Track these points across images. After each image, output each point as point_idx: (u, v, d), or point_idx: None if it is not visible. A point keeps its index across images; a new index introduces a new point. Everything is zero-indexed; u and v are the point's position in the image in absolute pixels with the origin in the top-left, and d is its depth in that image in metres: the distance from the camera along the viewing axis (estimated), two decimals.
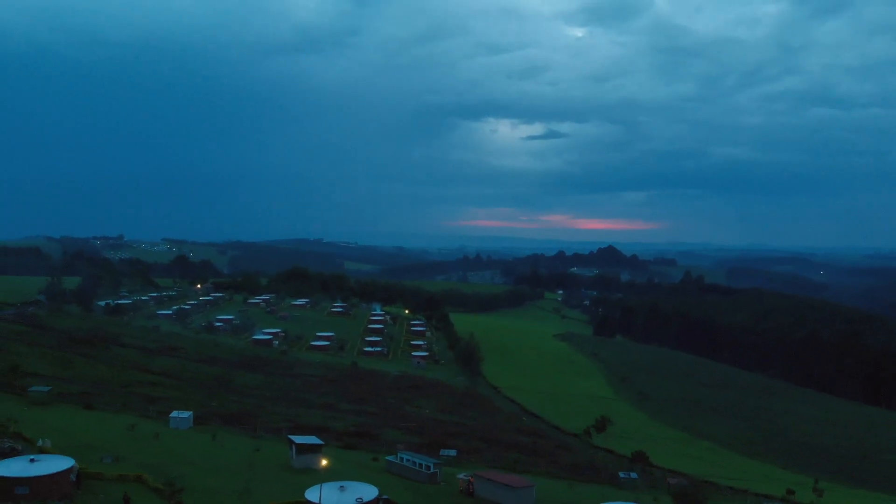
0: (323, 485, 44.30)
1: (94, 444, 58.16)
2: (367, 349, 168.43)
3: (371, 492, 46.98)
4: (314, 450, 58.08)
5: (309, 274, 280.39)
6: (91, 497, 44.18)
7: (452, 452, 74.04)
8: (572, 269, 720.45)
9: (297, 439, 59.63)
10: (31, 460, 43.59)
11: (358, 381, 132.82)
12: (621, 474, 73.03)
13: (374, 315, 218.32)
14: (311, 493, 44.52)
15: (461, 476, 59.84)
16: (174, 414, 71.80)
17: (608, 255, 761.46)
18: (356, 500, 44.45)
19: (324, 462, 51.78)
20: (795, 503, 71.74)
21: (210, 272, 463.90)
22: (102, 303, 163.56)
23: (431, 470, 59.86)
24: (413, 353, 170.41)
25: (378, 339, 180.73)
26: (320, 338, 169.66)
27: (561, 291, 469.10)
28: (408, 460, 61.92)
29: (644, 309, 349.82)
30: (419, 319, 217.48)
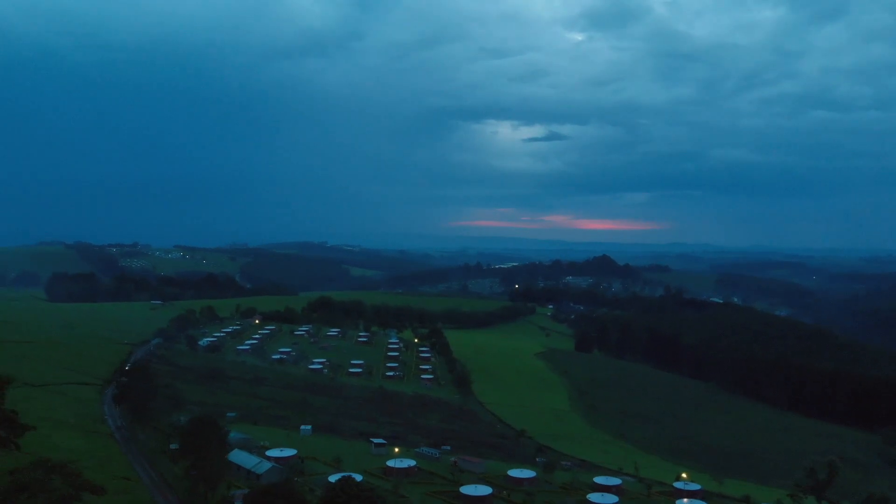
0: (395, 458, 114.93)
1: (279, 444, 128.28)
2: (388, 373, 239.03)
3: (412, 462, 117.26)
4: (383, 446, 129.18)
5: (333, 302, 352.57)
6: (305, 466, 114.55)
7: (448, 447, 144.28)
8: (567, 277, 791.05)
9: (374, 440, 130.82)
10: (281, 449, 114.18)
11: (386, 401, 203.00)
12: (537, 459, 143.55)
13: (391, 343, 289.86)
14: (389, 463, 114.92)
15: (452, 459, 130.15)
16: (303, 427, 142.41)
17: (602, 264, 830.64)
18: (408, 465, 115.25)
19: (396, 450, 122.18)
20: (621, 472, 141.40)
21: (234, 288, 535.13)
22: (202, 342, 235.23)
23: (437, 455, 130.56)
24: (422, 376, 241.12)
25: (395, 364, 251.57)
26: (354, 365, 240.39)
27: (551, 306, 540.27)
28: (425, 451, 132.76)
29: (618, 326, 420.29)
30: (425, 346, 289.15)
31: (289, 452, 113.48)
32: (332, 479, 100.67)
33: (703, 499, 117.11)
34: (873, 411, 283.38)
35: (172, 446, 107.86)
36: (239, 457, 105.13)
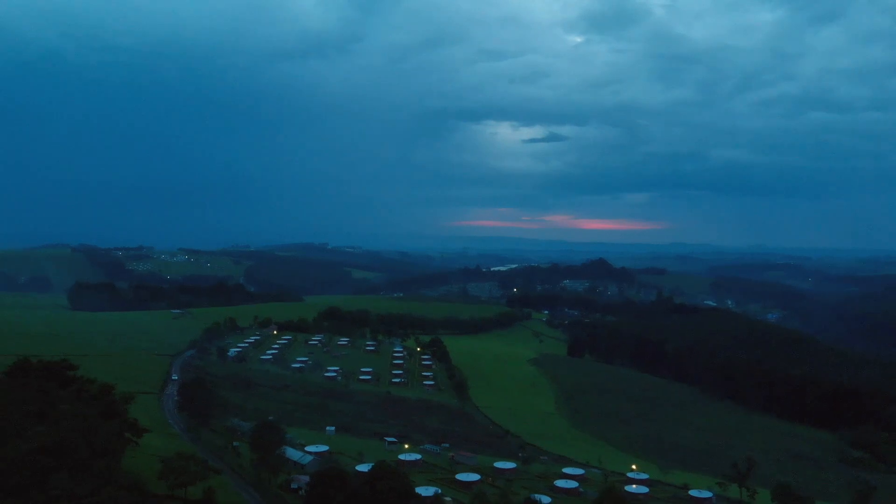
0: (405, 453, 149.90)
1: (312, 442, 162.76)
2: (394, 380, 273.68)
3: (418, 456, 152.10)
4: (394, 443, 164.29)
5: (341, 312, 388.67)
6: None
7: (447, 445, 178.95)
8: (564, 281, 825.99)
9: (387, 439, 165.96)
10: (316, 446, 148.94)
11: (393, 405, 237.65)
12: (519, 454, 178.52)
13: (396, 351, 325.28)
14: (400, 457, 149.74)
15: (450, 454, 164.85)
16: (327, 428, 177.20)
17: (599, 267, 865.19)
18: (414, 459, 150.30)
19: (406, 446, 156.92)
20: (588, 465, 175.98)
21: (242, 294, 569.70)
22: (231, 352, 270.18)
23: (438, 451, 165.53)
24: (424, 383, 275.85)
25: (400, 372, 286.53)
26: (364, 373, 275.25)
27: (547, 311, 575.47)
28: (428, 447, 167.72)
29: (607, 332, 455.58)
30: (426, 354, 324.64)
31: (322, 448, 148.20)
32: (359, 468, 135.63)
33: (648, 485, 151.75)
34: (838, 414, 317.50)
35: (235, 444, 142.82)
36: (287, 452, 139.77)
